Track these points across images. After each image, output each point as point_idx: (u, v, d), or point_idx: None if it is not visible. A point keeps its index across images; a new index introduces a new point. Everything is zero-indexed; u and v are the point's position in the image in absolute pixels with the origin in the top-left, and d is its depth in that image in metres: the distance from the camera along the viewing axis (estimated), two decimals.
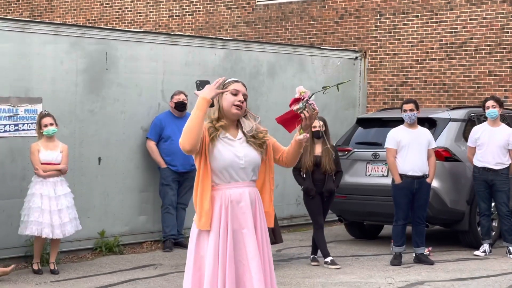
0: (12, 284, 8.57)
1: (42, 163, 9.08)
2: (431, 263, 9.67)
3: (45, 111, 9.31)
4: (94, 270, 9.36)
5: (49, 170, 9.09)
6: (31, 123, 9.69)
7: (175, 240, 10.76)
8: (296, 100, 4.63)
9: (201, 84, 4.54)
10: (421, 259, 9.76)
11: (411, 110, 9.73)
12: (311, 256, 9.88)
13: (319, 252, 9.80)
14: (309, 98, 4.62)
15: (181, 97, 10.73)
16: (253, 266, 4.58)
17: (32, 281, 8.75)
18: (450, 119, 11.07)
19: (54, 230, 8.97)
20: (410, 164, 9.65)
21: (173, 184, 10.70)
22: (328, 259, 9.61)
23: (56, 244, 9.21)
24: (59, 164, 9.17)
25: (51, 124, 9.13)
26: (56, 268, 9.15)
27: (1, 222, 9.22)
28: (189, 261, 4.68)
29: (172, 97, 10.80)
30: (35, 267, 9.13)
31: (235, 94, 4.69)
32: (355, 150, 11.31)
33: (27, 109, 9.70)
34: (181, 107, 10.75)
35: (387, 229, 12.25)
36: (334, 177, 9.73)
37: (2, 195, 9.44)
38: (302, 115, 4.62)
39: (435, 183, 10.27)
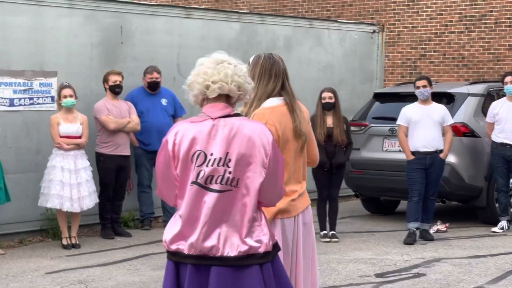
0: (27, 258, 8.59)
1: (62, 136, 9.09)
2: (431, 238, 9.63)
3: (66, 82, 9.28)
4: (109, 245, 9.37)
5: (69, 143, 9.09)
6: (46, 97, 9.66)
7: (166, 223, 10.40)
8: None
9: None
10: (422, 235, 9.67)
11: (424, 86, 9.62)
12: (322, 233, 9.83)
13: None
14: None
15: (154, 75, 10.29)
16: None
17: (47, 255, 8.76)
18: (468, 94, 10.93)
19: (73, 204, 8.98)
20: (421, 140, 9.55)
21: (148, 164, 10.35)
22: (322, 232, 9.72)
23: (76, 218, 9.23)
24: (80, 136, 9.18)
25: (71, 96, 9.12)
26: (77, 242, 9.16)
27: (16, 196, 9.22)
28: None
29: (144, 74, 10.37)
30: (64, 242, 9.14)
31: None
32: (372, 125, 11.21)
33: (42, 83, 9.66)
34: (154, 86, 10.35)
35: (403, 205, 12.17)
36: (345, 148, 9.70)
37: (18, 169, 9.43)
38: None
39: (452, 159, 10.18)
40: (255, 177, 3.71)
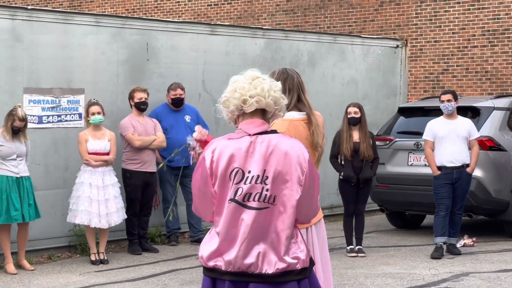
0: (56, 274, 8.65)
1: (90, 153, 9.18)
2: (458, 253, 9.60)
3: (94, 99, 9.38)
4: (137, 260, 9.41)
5: (97, 160, 9.18)
6: (74, 114, 9.75)
7: (192, 238, 10.52)
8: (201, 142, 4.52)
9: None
10: (449, 249, 9.64)
11: (448, 100, 9.61)
12: (348, 248, 9.81)
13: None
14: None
15: (178, 92, 10.31)
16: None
17: (76, 270, 8.82)
18: (494, 108, 10.91)
19: (101, 220, 9.05)
20: (448, 155, 9.53)
21: (172, 180, 10.38)
22: (349, 247, 9.70)
23: (104, 234, 9.29)
24: (108, 152, 9.26)
25: (98, 113, 9.22)
26: (105, 258, 9.21)
27: (45, 212, 9.28)
28: None
29: (168, 91, 10.40)
30: (92, 257, 9.19)
31: None
32: (397, 139, 11.21)
33: (70, 100, 9.76)
34: (178, 103, 10.37)
35: (429, 219, 12.14)
36: (371, 163, 9.71)
37: (46, 186, 9.52)
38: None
39: (479, 173, 10.16)
40: (291, 194, 3.73)
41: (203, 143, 4.47)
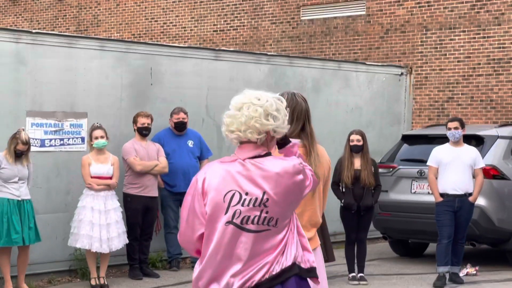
0: None
1: (93, 177, 9.17)
2: (461, 282, 9.53)
3: (97, 123, 9.39)
4: (137, 285, 9.36)
5: (100, 184, 9.16)
6: (76, 138, 9.76)
7: (194, 264, 10.48)
8: None
9: None
10: (452, 278, 9.56)
11: (455, 128, 9.58)
12: (350, 275, 9.74)
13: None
14: None
15: (181, 116, 10.34)
16: None
17: None
18: (498, 136, 10.88)
19: (102, 245, 9.02)
20: (451, 182, 9.48)
21: (173, 205, 10.40)
22: (351, 275, 9.64)
23: (105, 258, 9.25)
24: (111, 177, 9.24)
25: (102, 137, 9.22)
26: (106, 283, 9.16)
27: (46, 236, 9.26)
28: None
29: (171, 115, 10.42)
30: (93, 282, 9.14)
31: None
32: (400, 167, 11.18)
33: (73, 124, 9.77)
34: (181, 127, 10.40)
35: (432, 247, 12.06)
36: (373, 191, 9.67)
37: (47, 209, 9.50)
38: None
39: (482, 202, 10.10)
40: (291, 215, 3.72)
41: None
